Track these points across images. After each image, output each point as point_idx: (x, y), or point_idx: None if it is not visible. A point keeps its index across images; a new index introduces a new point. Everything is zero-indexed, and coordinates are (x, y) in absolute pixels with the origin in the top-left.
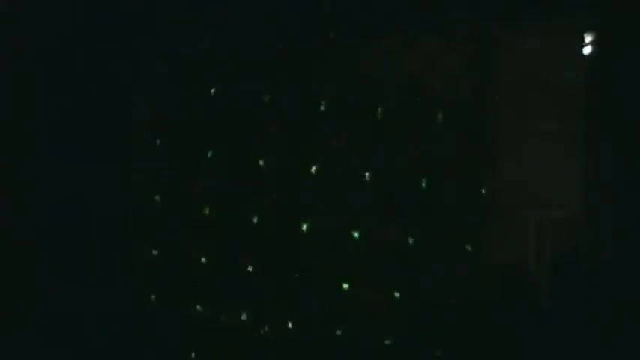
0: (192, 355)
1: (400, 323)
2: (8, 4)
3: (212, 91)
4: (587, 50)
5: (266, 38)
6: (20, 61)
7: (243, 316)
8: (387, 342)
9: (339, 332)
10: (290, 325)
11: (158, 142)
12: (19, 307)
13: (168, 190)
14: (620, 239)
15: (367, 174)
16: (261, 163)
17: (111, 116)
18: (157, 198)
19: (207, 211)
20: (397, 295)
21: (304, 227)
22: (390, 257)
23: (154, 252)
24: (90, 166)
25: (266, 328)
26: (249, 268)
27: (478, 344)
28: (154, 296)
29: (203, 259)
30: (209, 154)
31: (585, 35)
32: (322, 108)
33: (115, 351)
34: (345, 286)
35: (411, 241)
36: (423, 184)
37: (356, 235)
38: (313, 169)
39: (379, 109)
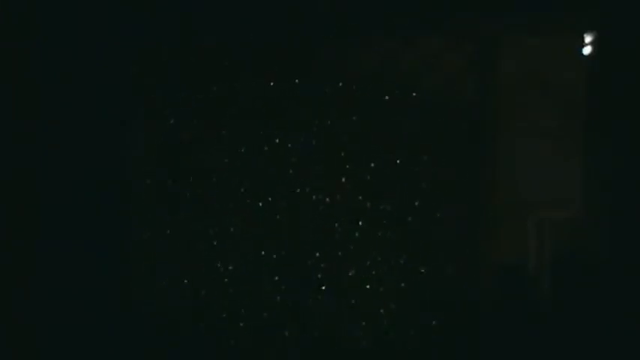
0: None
1: (400, 323)
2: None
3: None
4: (587, 50)
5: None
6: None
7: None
8: (386, 341)
9: (337, 330)
10: (289, 325)
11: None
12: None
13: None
14: (620, 239)
15: (365, 174)
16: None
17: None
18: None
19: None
20: (396, 295)
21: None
22: (389, 257)
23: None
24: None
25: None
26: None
27: (478, 344)
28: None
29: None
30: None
31: (585, 35)
32: (323, 105)
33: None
34: (342, 284)
35: (410, 240)
36: (423, 185)
37: (356, 234)
38: (314, 166)
39: (378, 109)
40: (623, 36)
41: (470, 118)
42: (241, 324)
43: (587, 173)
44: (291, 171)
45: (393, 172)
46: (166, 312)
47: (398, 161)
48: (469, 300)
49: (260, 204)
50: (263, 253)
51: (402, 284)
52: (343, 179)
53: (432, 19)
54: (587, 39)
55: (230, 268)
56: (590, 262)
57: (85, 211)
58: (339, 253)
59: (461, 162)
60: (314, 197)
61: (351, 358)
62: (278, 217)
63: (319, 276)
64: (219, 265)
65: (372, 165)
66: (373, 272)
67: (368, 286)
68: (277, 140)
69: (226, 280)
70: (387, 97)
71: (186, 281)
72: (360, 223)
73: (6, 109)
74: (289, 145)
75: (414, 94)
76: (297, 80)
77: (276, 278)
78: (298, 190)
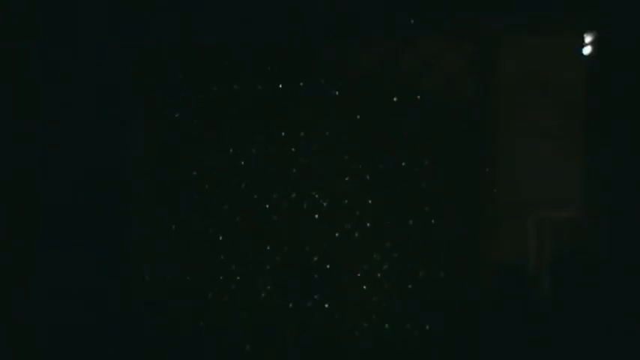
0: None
1: (400, 323)
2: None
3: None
4: (587, 50)
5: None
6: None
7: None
8: (386, 341)
9: (337, 330)
10: (289, 326)
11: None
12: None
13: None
14: (620, 239)
15: (365, 174)
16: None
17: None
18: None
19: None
20: (396, 295)
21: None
22: (389, 257)
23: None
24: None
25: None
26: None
27: (478, 344)
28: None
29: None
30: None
31: (585, 35)
32: (323, 105)
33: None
34: (343, 284)
35: (410, 240)
36: (423, 185)
37: (356, 234)
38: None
39: (378, 109)
40: (623, 36)
41: (470, 118)
42: (241, 324)
43: (587, 173)
44: (292, 171)
45: (393, 172)
46: (166, 312)
47: (398, 161)
48: (469, 300)
49: (260, 204)
50: (263, 253)
51: (402, 284)
52: (343, 179)
53: (432, 19)
54: (587, 39)
55: (231, 267)
56: (590, 262)
57: (85, 211)
58: (340, 253)
59: (461, 162)
60: (314, 197)
61: (351, 358)
62: (278, 217)
63: (319, 276)
64: (219, 265)
65: (372, 165)
66: (373, 272)
67: (368, 286)
68: (277, 140)
69: (226, 280)
70: (387, 97)
71: (186, 281)
72: (360, 223)
73: (6, 109)
74: (289, 145)
75: (414, 95)
76: (297, 80)
77: (277, 278)
78: (298, 190)
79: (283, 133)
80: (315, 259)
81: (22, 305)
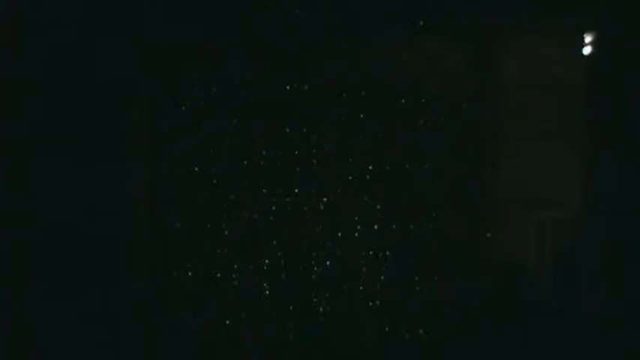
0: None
1: (400, 323)
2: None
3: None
4: (587, 50)
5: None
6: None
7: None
8: (387, 342)
9: (337, 330)
10: (289, 326)
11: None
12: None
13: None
14: (620, 239)
15: (366, 174)
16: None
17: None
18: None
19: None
20: (396, 295)
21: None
22: (390, 257)
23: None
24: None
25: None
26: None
27: (478, 344)
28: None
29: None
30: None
31: (585, 35)
32: (326, 105)
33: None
34: (343, 285)
35: (410, 240)
36: (423, 185)
37: (356, 235)
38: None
39: (378, 109)
40: (623, 36)
41: (470, 118)
42: (241, 324)
43: (587, 173)
44: (295, 170)
45: (394, 172)
46: (167, 312)
47: (397, 161)
48: (469, 300)
49: (262, 204)
50: (263, 252)
51: (402, 284)
52: (343, 179)
53: (432, 19)
54: (587, 39)
55: (232, 267)
56: (590, 262)
57: (86, 211)
58: (340, 253)
59: (461, 162)
60: (315, 197)
61: (351, 357)
62: (280, 217)
63: (319, 277)
64: (219, 264)
65: (372, 165)
66: (373, 273)
67: (368, 287)
68: (278, 141)
69: (227, 280)
70: (387, 98)
71: (186, 281)
72: (361, 223)
73: (6, 109)
74: (289, 145)
75: (415, 95)
76: (296, 80)
77: (278, 278)
78: (300, 190)
79: (285, 134)
80: (316, 259)
81: (22, 305)
